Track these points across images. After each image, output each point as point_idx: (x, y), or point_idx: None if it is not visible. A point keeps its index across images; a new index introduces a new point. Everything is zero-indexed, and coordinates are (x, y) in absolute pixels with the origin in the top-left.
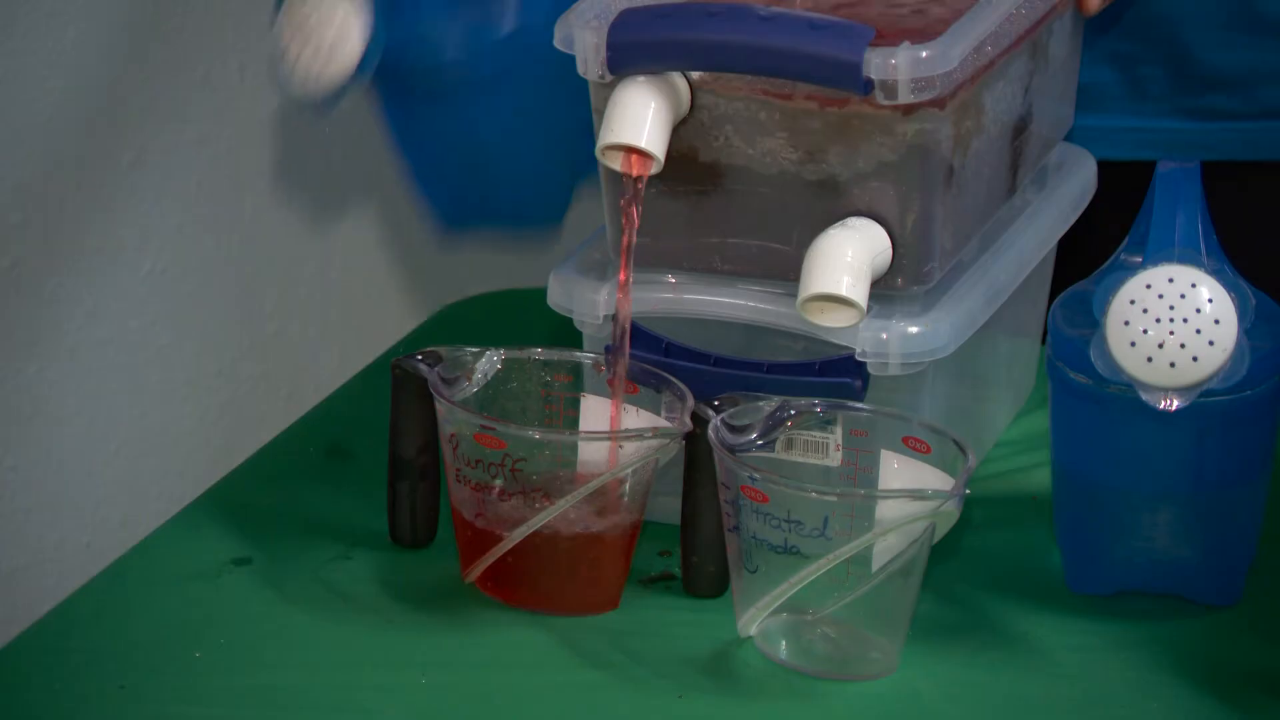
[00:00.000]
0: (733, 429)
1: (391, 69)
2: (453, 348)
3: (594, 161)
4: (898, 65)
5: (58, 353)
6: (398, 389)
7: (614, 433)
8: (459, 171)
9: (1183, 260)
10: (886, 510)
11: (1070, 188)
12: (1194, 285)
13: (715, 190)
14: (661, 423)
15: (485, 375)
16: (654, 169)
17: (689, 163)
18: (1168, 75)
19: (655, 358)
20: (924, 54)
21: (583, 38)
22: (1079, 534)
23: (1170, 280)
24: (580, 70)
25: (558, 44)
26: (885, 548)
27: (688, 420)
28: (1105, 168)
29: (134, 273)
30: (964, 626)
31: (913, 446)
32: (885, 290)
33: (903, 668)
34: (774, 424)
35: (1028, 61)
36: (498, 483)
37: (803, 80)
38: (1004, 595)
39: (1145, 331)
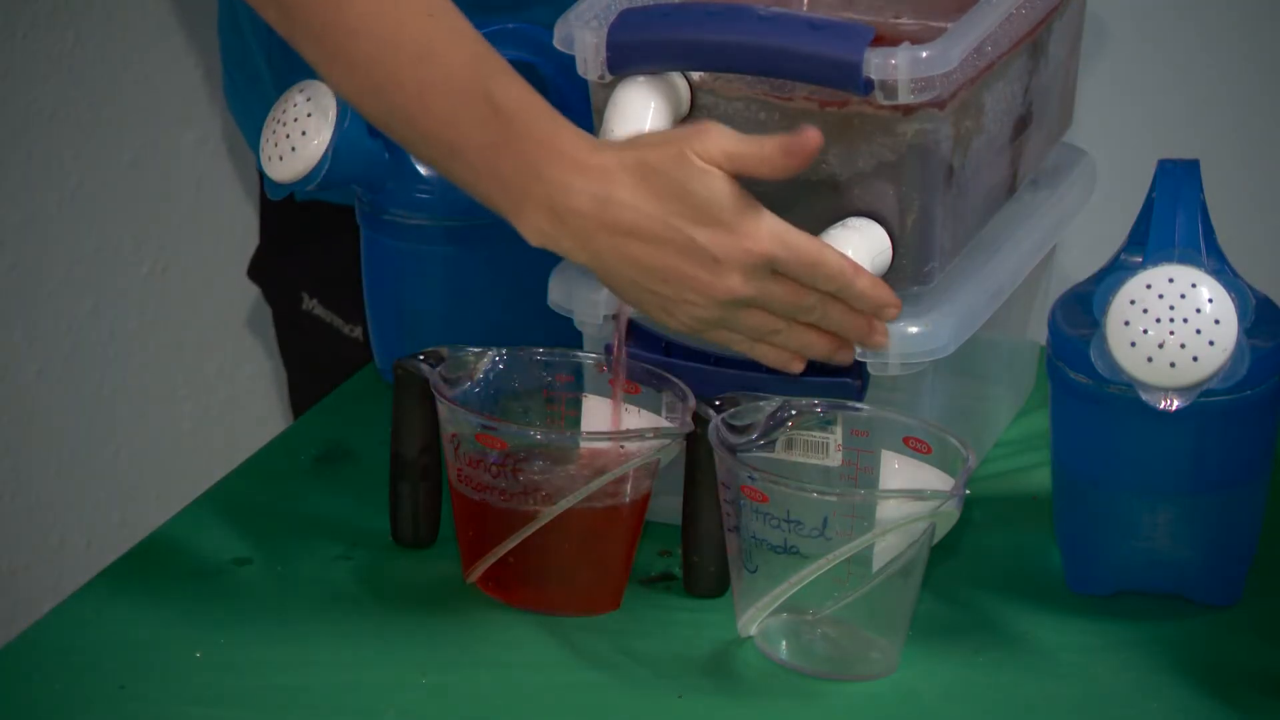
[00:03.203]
0: (733, 429)
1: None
2: (455, 348)
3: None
4: (898, 65)
5: (58, 353)
6: (400, 389)
7: (615, 433)
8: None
9: (1183, 260)
10: (886, 510)
11: (1070, 188)
12: (1194, 285)
13: None
14: (663, 423)
15: (487, 375)
16: None
17: None
18: None
19: (655, 357)
20: (924, 54)
21: (583, 38)
22: (1079, 534)
23: (1170, 280)
24: (580, 70)
25: (558, 44)
26: (885, 548)
27: (689, 421)
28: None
29: (134, 273)
30: (964, 626)
31: (913, 446)
32: None
33: (903, 668)
34: (774, 424)
35: (1028, 61)
36: (499, 483)
37: (803, 80)
38: (1004, 595)
39: (1145, 331)
